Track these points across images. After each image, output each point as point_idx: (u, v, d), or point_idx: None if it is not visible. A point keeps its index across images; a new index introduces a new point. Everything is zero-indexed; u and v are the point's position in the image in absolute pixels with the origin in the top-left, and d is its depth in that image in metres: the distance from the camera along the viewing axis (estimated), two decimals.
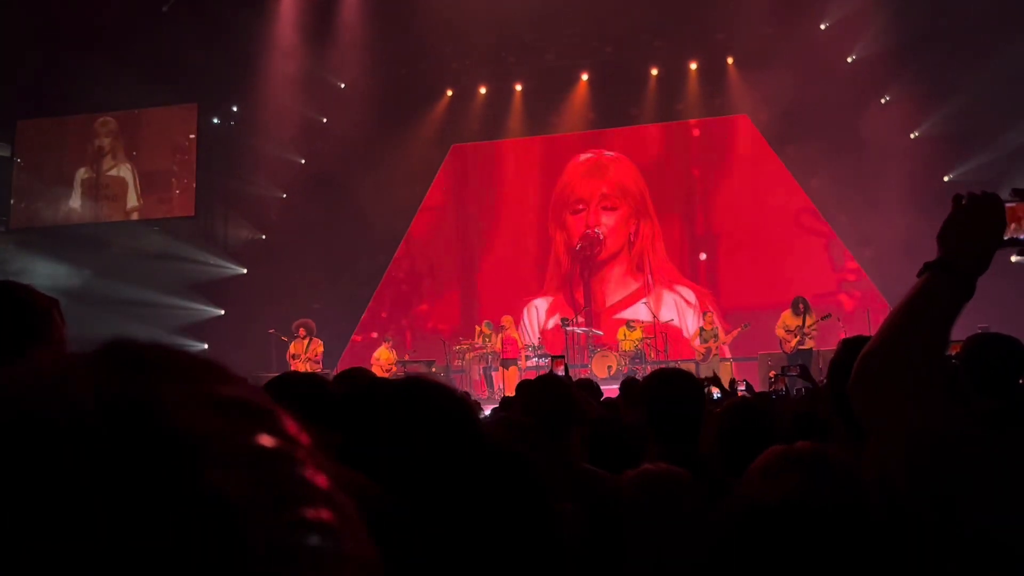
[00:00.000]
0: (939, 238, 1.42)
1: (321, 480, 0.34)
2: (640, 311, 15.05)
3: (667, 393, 2.68)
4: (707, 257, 15.82)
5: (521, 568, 1.26)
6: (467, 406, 1.25)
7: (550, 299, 16.21)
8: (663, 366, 12.77)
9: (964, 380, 2.74)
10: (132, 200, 16.79)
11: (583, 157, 16.49)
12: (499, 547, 1.16)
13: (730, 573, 0.92)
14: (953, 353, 3.51)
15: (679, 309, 15.40)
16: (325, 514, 0.33)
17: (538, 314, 16.16)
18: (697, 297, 15.58)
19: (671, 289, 15.73)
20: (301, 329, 13.37)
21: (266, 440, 0.33)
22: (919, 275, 1.38)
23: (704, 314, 13.81)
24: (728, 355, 13.82)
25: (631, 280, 15.99)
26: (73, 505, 0.28)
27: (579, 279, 16.15)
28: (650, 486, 1.85)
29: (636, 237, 16.04)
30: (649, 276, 15.88)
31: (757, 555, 0.90)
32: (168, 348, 0.35)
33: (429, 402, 1.23)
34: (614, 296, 16.02)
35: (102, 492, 0.29)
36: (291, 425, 0.36)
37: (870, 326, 12.97)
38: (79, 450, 0.29)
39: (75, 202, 16.95)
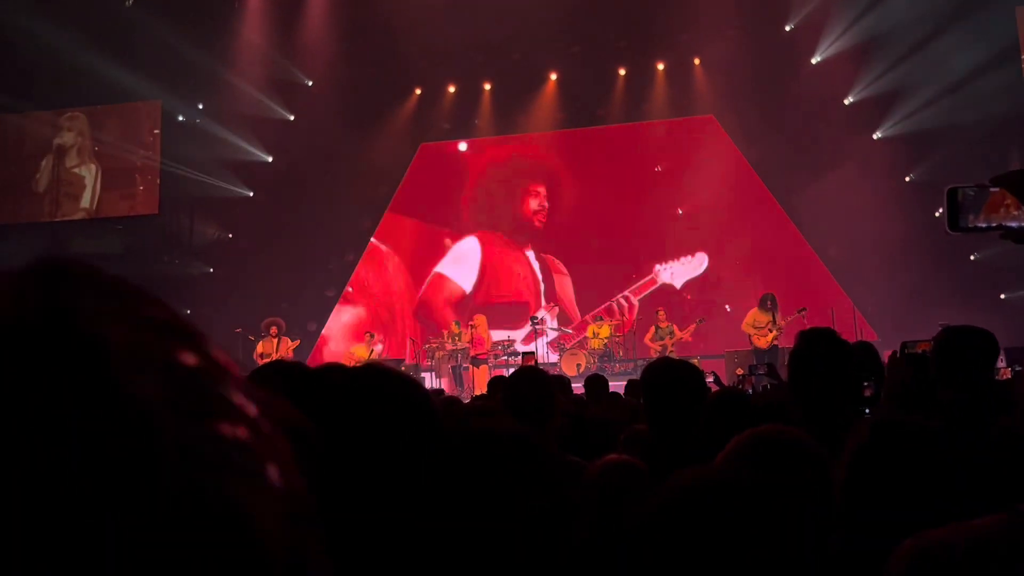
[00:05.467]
0: None
1: (242, 402, 0.35)
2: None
3: (666, 383, 2.67)
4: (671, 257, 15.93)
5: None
6: (423, 391, 1.27)
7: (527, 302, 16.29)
8: (632, 364, 12.82)
9: (935, 373, 2.75)
10: (90, 197, 16.53)
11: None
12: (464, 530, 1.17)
13: (657, 552, 0.95)
14: (923, 350, 3.56)
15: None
16: (242, 432, 0.34)
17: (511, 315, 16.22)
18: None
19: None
20: (273, 328, 13.23)
21: (187, 357, 0.34)
22: None
23: (656, 312, 13.93)
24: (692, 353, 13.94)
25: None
26: None
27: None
28: (608, 477, 1.87)
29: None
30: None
31: (677, 532, 0.92)
32: (97, 268, 0.36)
33: (387, 386, 1.24)
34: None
35: (11, 391, 0.29)
36: (219, 352, 0.37)
37: (834, 324, 13.16)
38: None
39: (35, 199, 16.66)
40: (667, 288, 15.62)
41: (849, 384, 2.29)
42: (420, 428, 1.18)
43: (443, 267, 16.65)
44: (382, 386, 1.22)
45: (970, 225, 1.40)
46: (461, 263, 16.57)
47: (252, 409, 0.35)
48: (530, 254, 16.41)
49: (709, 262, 15.57)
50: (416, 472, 1.14)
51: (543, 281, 16.27)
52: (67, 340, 0.31)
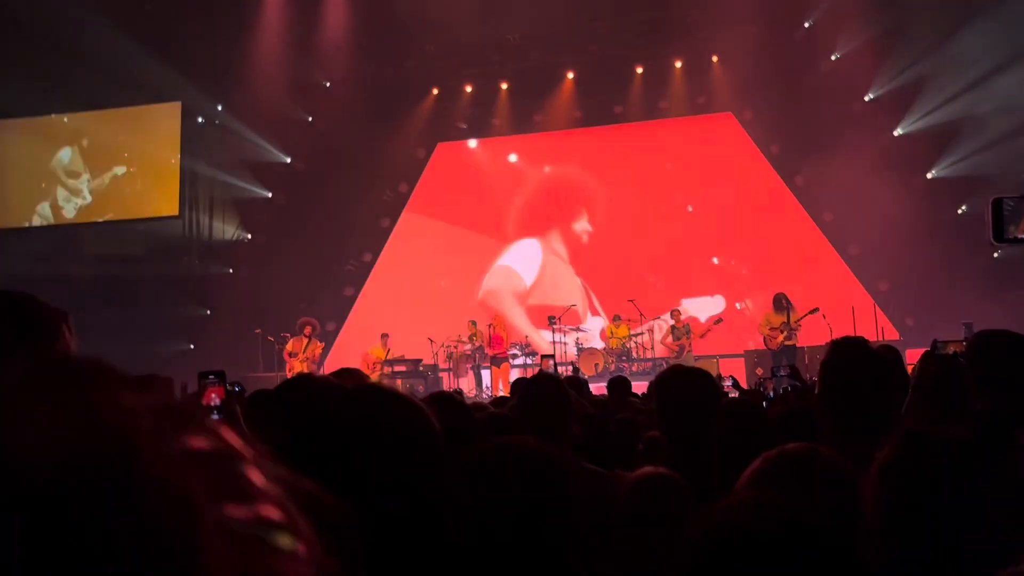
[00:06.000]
0: None
1: (265, 483, 0.36)
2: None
3: (680, 390, 2.62)
4: (689, 255, 15.85)
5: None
6: (424, 414, 1.25)
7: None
8: (650, 363, 12.76)
9: (970, 380, 2.61)
10: (113, 199, 16.65)
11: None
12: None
13: None
14: (955, 351, 3.41)
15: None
16: (274, 513, 0.34)
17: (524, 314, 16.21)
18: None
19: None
20: (307, 327, 13.26)
21: (205, 442, 0.35)
22: None
23: (673, 311, 13.88)
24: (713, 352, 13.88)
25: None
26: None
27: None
28: (645, 491, 1.83)
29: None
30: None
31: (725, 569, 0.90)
32: (99, 360, 0.36)
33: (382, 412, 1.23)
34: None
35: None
36: (221, 428, 0.37)
37: (855, 323, 13.08)
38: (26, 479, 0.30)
39: (55, 202, 16.81)
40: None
41: (881, 396, 2.20)
42: (421, 454, 1.17)
43: (506, 260, 16.70)
44: (381, 414, 1.21)
45: (1015, 236, 1.37)
46: (523, 260, 16.62)
47: (275, 490, 0.36)
48: (571, 269, 16.44)
49: (720, 260, 15.53)
50: (420, 498, 1.13)
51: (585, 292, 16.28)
52: (102, 443, 0.31)
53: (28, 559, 0.28)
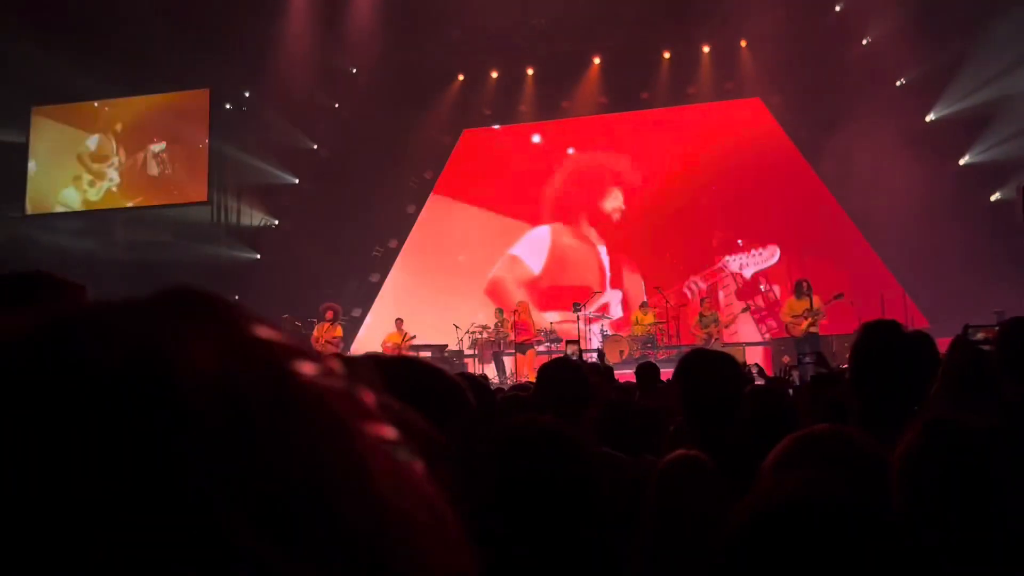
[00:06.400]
0: None
1: (373, 402, 0.37)
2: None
3: (704, 375, 2.60)
4: (718, 241, 15.75)
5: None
6: (456, 386, 1.26)
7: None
8: (676, 351, 12.73)
9: (998, 368, 2.56)
10: (142, 185, 16.84)
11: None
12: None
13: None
14: (986, 337, 3.32)
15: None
16: (390, 431, 0.36)
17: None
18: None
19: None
20: (328, 312, 13.36)
21: (316, 368, 0.35)
22: None
23: (702, 300, 13.81)
24: (739, 340, 13.80)
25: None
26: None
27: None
28: (676, 472, 1.83)
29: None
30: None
31: (766, 560, 0.90)
32: (229, 299, 0.37)
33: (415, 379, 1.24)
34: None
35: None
36: (327, 359, 0.37)
37: (884, 309, 12.93)
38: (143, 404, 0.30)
39: (84, 188, 17.03)
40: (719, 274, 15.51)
41: (913, 381, 2.13)
42: (456, 420, 1.18)
43: (516, 249, 16.73)
44: (417, 381, 1.22)
45: None
46: (533, 247, 16.63)
47: (388, 413, 0.37)
48: (601, 249, 16.38)
49: (745, 244, 15.43)
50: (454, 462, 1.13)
51: (609, 271, 16.24)
52: (257, 367, 0.33)
53: (207, 484, 0.29)
